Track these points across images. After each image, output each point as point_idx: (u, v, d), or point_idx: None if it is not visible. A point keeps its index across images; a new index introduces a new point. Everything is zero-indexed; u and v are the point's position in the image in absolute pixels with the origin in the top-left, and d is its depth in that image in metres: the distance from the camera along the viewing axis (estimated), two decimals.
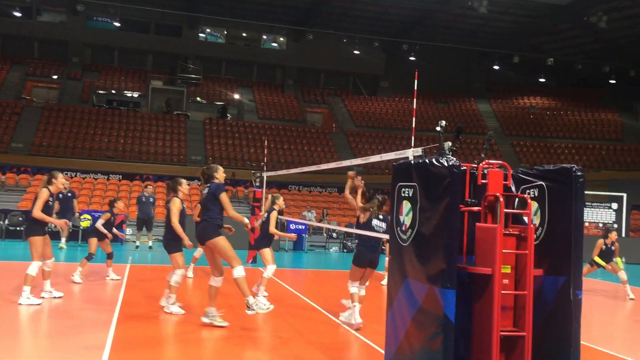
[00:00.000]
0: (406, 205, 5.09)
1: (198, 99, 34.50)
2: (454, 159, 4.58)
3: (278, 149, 30.14)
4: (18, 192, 22.33)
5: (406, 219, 5.07)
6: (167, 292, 8.27)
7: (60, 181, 8.40)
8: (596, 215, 22.31)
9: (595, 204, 22.67)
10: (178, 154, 28.73)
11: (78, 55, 34.28)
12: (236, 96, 35.57)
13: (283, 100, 36.14)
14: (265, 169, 14.58)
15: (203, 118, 32.56)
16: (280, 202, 9.78)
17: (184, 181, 8.29)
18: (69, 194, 15.88)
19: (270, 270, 9.38)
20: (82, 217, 17.41)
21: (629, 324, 9.81)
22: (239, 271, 7.12)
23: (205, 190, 7.40)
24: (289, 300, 10.17)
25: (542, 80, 38.20)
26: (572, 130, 36.58)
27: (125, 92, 33.64)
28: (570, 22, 31.12)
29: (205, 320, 7.46)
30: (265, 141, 16.69)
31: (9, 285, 9.72)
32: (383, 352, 6.72)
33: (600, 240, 12.23)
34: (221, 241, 7.18)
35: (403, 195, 5.16)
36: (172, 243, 8.19)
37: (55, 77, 33.38)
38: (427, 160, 4.78)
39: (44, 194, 8.18)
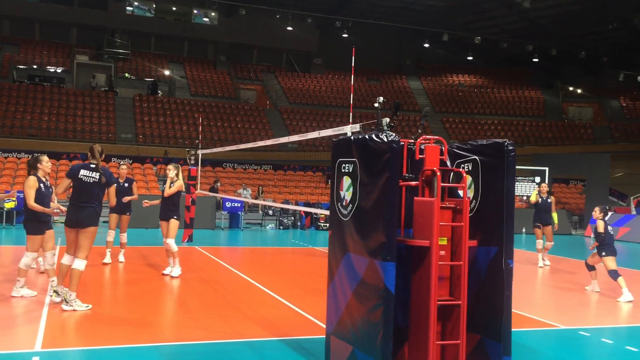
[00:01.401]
0: (347, 181, 5.16)
1: (126, 75, 33.36)
2: (394, 134, 4.67)
3: (211, 126, 29.69)
4: None
5: (347, 194, 5.15)
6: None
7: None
8: (521, 189, 23.32)
9: (519, 177, 23.68)
10: (107, 132, 27.79)
11: None
12: (167, 72, 34.66)
13: (215, 76, 35.53)
14: (200, 146, 14.35)
15: (132, 95, 31.56)
16: (169, 172, 9.95)
17: (44, 158, 7.78)
18: None
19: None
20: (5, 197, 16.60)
21: (550, 291, 10.40)
22: (81, 264, 7.19)
23: (96, 175, 7.24)
24: (226, 278, 10.16)
25: (470, 58, 39.26)
26: (498, 107, 37.91)
27: (48, 67, 32.09)
28: (496, 2, 32.02)
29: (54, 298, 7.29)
30: (200, 118, 16.30)
31: None
32: (323, 325, 6.86)
33: (535, 192, 12.82)
34: (94, 232, 7.28)
35: (343, 170, 5.23)
36: (30, 224, 7.67)
37: None
38: (366, 136, 4.85)
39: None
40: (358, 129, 6.41)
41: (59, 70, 32.16)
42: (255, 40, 36.53)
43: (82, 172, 7.29)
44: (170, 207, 9.84)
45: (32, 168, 7.66)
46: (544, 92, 40.03)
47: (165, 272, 9.89)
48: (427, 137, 5.11)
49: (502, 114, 37.27)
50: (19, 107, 27.70)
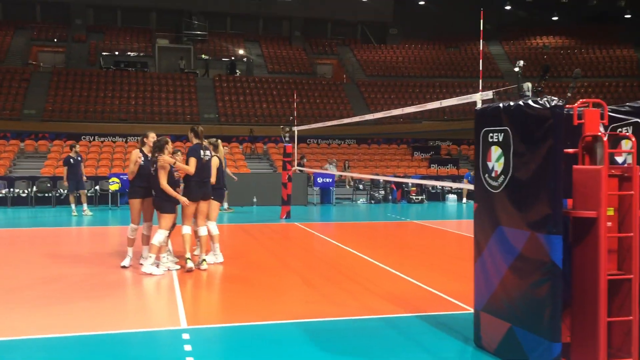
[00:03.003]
0: (496, 151, 4.91)
1: (203, 56, 33.85)
2: (557, 99, 4.37)
3: (290, 102, 29.76)
4: (38, 159, 22.16)
5: (496, 164, 4.90)
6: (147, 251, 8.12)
7: (151, 140, 8.30)
8: None
9: None
10: (190, 113, 28.41)
11: (81, 17, 33.57)
12: (242, 52, 34.93)
13: (291, 53, 35.51)
14: (295, 123, 14.33)
15: (212, 75, 32.06)
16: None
17: (168, 140, 8.00)
18: (79, 159, 15.77)
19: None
20: (110, 180, 17.32)
21: None
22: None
23: (209, 153, 8.27)
24: (336, 253, 10.11)
25: (554, 18, 37.35)
26: (587, 69, 35.94)
27: (131, 52, 33.04)
28: None
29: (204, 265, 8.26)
30: (295, 94, 16.15)
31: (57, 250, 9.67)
32: (454, 301, 6.71)
33: None
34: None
35: (491, 140, 4.97)
36: (167, 204, 7.86)
37: (59, 40, 32.77)
38: (521, 103, 4.58)
39: (134, 156, 8.28)
40: (491, 96, 6.10)
41: (141, 55, 33.06)
42: (329, 14, 36.15)
43: (202, 152, 8.08)
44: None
45: (159, 150, 7.86)
46: (637, 50, 37.59)
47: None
48: (585, 100, 4.76)
49: (593, 76, 35.31)
50: (108, 93, 28.71)
